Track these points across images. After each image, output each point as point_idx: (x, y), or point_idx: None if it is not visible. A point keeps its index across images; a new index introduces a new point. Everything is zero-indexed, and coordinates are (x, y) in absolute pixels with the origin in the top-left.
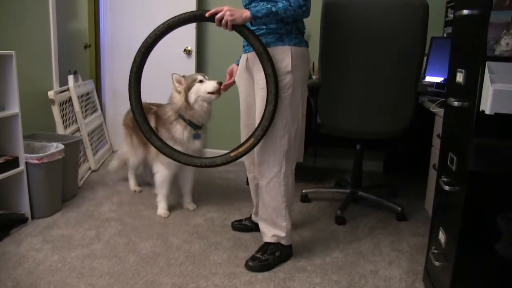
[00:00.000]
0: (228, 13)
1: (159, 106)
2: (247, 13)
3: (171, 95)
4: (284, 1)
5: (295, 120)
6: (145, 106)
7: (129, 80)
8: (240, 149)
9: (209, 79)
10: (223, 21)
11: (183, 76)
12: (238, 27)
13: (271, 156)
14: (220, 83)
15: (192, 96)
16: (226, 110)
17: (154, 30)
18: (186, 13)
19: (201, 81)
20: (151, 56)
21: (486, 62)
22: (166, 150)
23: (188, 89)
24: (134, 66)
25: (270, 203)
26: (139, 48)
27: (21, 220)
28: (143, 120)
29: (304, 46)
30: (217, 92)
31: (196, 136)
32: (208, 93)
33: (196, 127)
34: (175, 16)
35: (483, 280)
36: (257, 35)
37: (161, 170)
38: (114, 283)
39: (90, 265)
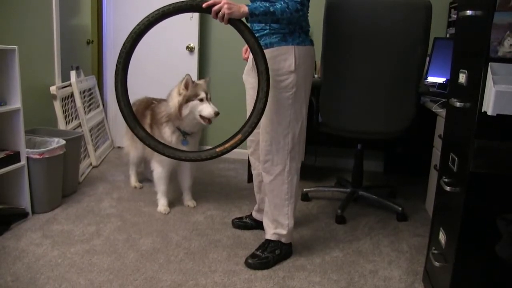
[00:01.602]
0: (226, 6)
1: (160, 101)
2: (245, 8)
3: (170, 94)
4: (282, 3)
5: (298, 119)
6: (147, 101)
7: (117, 66)
8: (226, 145)
9: (210, 100)
10: (220, 13)
11: (193, 82)
12: (234, 21)
13: (275, 155)
14: (216, 114)
15: (186, 110)
16: (230, 107)
17: (148, 16)
18: (183, 1)
19: (201, 100)
20: (153, 52)
21: (489, 63)
22: (151, 142)
23: (187, 100)
24: (123, 52)
25: (273, 200)
26: (130, 34)
27: (22, 215)
28: (128, 110)
29: (308, 45)
30: (208, 120)
31: (184, 143)
32: (200, 115)
33: (185, 133)
34: (171, 4)
35: (483, 281)
36: (261, 35)
37: (157, 167)
38: (113, 279)
39: (90, 260)
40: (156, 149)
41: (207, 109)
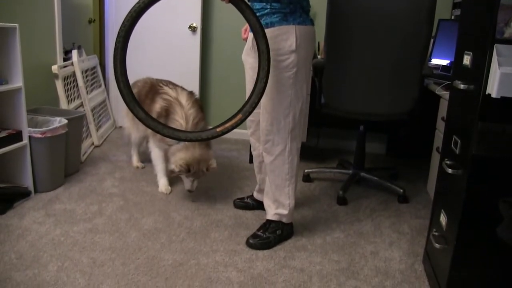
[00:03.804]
0: None
1: (169, 83)
2: None
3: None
4: None
5: (299, 99)
6: (152, 83)
7: (116, 46)
8: (227, 125)
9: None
10: None
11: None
12: (235, 0)
13: (276, 135)
14: (189, 191)
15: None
16: (233, 86)
17: None
18: None
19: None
20: (155, 32)
21: (495, 45)
22: (150, 123)
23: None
24: (122, 30)
25: (274, 180)
26: (130, 12)
27: (24, 194)
28: (128, 90)
29: (309, 25)
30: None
31: None
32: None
33: None
34: None
35: (483, 263)
36: (261, 14)
37: (153, 148)
38: (115, 257)
39: (92, 239)
40: (156, 129)
41: (186, 185)
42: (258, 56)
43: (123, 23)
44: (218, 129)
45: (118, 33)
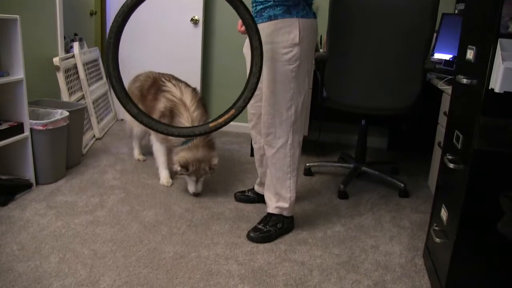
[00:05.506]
0: None
1: (171, 79)
2: None
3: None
4: None
5: (301, 92)
6: (155, 77)
7: (108, 41)
8: (220, 120)
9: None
10: None
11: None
12: None
13: (278, 127)
14: (195, 195)
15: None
16: (235, 79)
17: None
18: None
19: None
20: (156, 25)
21: (499, 39)
22: (144, 119)
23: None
24: (114, 26)
25: (276, 173)
26: (122, 7)
27: (26, 186)
28: (120, 86)
29: (311, 17)
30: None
31: None
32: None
33: None
34: None
35: (483, 258)
36: (264, 7)
37: (155, 142)
38: (117, 249)
39: (93, 231)
40: (149, 125)
41: (190, 187)
42: (251, 51)
43: (115, 18)
44: (211, 125)
45: (110, 28)
